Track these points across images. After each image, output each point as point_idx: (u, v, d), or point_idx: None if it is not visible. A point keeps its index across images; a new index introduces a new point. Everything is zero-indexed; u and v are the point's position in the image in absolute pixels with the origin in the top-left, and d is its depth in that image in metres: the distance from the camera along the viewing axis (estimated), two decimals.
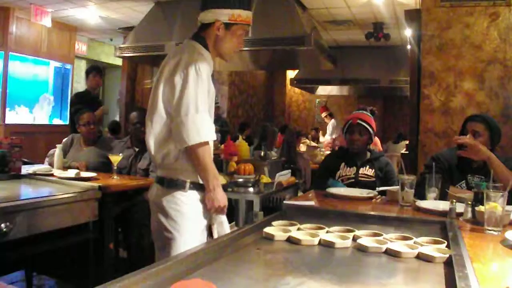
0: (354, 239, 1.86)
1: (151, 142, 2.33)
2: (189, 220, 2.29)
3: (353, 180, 3.65)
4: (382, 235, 1.90)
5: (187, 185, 2.31)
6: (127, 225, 4.06)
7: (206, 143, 2.23)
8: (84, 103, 5.70)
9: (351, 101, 12.91)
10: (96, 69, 6.39)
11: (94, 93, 6.38)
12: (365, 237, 1.86)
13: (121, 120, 9.36)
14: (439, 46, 4.38)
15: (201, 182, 2.32)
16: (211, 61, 2.36)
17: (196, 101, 2.19)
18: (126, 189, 3.66)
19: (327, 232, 1.96)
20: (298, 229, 1.99)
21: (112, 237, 3.89)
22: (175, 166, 2.32)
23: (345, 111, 12.71)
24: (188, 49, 2.33)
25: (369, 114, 3.88)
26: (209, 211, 2.33)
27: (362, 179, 3.66)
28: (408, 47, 5.96)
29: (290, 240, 1.85)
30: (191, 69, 2.21)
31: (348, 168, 3.72)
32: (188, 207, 2.30)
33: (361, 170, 3.69)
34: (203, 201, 2.33)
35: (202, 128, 2.19)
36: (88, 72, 6.38)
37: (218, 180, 2.31)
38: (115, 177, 3.78)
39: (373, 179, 3.65)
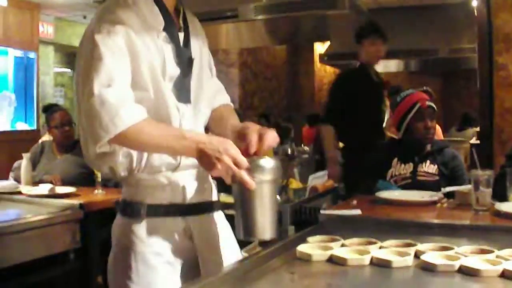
0: (417, 255, 1.85)
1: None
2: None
3: (410, 180, 3.65)
4: (453, 248, 1.89)
5: (142, 210, 2.06)
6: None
7: (135, 127, 1.90)
8: None
9: (400, 79, 12.84)
10: None
11: None
12: (431, 252, 1.85)
13: None
14: None
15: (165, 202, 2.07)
16: (151, 7, 2.06)
17: (99, 74, 1.87)
18: (113, 205, 3.66)
19: (381, 247, 1.95)
20: (342, 245, 1.98)
21: (100, 268, 3.90)
22: (128, 180, 2.12)
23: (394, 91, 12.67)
24: None
25: None
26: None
27: (422, 178, 3.65)
28: (474, 3, 5.90)
29: (333, 260, 1.84)
30: (93, 30, 1.93)
31: (403, 165, 3.71)
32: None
33: (420, 167, 3.68)
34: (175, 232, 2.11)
35: (117, 111, 1.86)
36: None
37: (191, 133, 1.96)
38: (99, 191, 3.80)
39: (436, 177, 3.64)
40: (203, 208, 2.15)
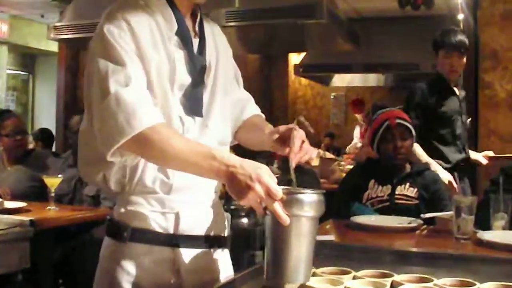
0: (393, 287, 1.85)
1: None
2: None
3: (387, 203, 3.66)
4: (432, 280, 1.89)
5: (126, 233, 2.01)
6: (70, 275, 4.03)
7: (153, 130, 1.84)
8: None
9: (379, 94, 12.94)
10: None
11: None
12: (408, 284, 1.86)
13: (57, 127, 9.33)
14: (503, 14, 4.41)
15: (154, 228, 2.01)
16: (164, 10, 2.04)
17: (116, 73, 1.86)
18: (68, 223, 3.65)
19: (354, 278, 1.95)
20: (313, 274, 1.97)
21: None
22: (119, 197, 2.10)
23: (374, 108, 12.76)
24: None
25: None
26: (257, 210, 1.77)
27: (400, 202, 3.67)
28: (460, 16, 5.98)
29: None
30: (103, 28, 1.91)
31: (380, 187, 3.72)
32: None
33: (399, 190, 3.70)
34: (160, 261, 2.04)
35: (134, 110, 1.81)
36: None
37: (221, 153, 1.82)
38: (52, 207, 3.76)
39: (416, 201, 3.66)
40: (200, 242, 2.07)
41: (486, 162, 4.62)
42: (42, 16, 10.41)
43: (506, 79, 4.37)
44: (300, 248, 1.70)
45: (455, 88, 4.74)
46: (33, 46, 11.18)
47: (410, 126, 3.79)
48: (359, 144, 10.25)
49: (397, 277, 1.92)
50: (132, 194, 2.00)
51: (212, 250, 2.10)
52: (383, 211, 3.55)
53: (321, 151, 9.34)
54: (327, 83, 12.31)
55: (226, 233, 2.19)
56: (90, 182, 2.15)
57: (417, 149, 4.32)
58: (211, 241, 2.10)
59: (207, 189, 2.10)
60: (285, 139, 1.98)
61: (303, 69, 10.51)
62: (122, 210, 2.02)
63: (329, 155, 9.23)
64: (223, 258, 2.16)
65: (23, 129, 4.68)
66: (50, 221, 3.47)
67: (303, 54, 10.68)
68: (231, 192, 1.74)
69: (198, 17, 2.12)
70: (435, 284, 1.85)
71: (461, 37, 4.64)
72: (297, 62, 10.78)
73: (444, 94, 4.65)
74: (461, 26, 5.36)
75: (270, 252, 1.73)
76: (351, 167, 5.78)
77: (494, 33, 4.39)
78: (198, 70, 2.05)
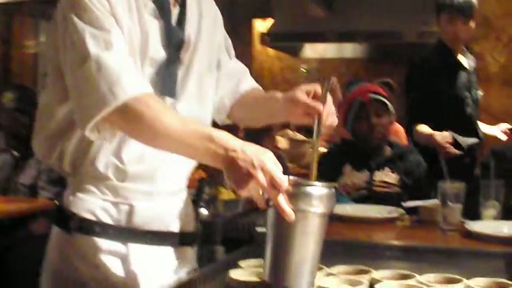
0: (372, 284, 1.87)
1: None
2: None
3: (365, 191, 3.71)
4: (414, 276, 1.92)
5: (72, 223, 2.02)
6: (5, 276, 4.01)
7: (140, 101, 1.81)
8: None
9: (356, 67, 12.97)
10: None
11: None
12: (388, 281, 1.88)
13: None
14: None
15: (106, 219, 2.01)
16: None
17: (95, 37, 1.83)
18: (1, 217, 3.62)
19: (328, 275, 1.97)
20: None
21: None
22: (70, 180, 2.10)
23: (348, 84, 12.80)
24: None
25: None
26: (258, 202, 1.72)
27: (380, 189, 3.70)
28: None
29: None
30: None
31: (357, 173, 3.76)
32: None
33: (378, 175, 3.73)
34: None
35: (118, 77, 1.79)
36: None
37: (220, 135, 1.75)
38: None
39: (397, 188, 3.69)
40: (158, 238, 2.06)
41: (505, 138, 4.58)
42: None
43: (497, 50, 4.40)
44: (305, 248, 1.66)
45: (462, 59, 4.62)
46: None
47: (387, 102, 3.80)
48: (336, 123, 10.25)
49: (375, 274, 1.94)
50: (84, 180, 1.99)
51: (172, 248, 2.11)
52: (360, 200, 3.57)
53: (290, 132, 9.34)
54: (296, 54, 12.27)
55: (192, 229, 2.19)
56: (45, 161, 2.09)
57: (423, 129, 4.27)
58: (171, 238, 2.10)
59: (172, 177, 2.10)
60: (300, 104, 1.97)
61: (270, 38, 10.47)
62: (71, 197, 2.01)
63: (299, 136, 9.23)
64: (186, 256, 2.17)
65: None
66: None
67: (270, 21, 10.66)
68: (230, 180, 1.69)
69: None
70: (417, 281, 1.87)
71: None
72: (264, 30, 10.75)
73: (450, 70, 4.51)
74: None
75: (270, 251, 1.69)
76: (324, 150, 5.82)
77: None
78: (174, 45, 2.02)
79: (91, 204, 1.99)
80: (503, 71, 4.35)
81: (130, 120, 1.79)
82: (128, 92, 1.75)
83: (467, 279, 1.88)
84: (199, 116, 2.12)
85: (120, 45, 1.84)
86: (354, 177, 3.73)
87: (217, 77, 2.24)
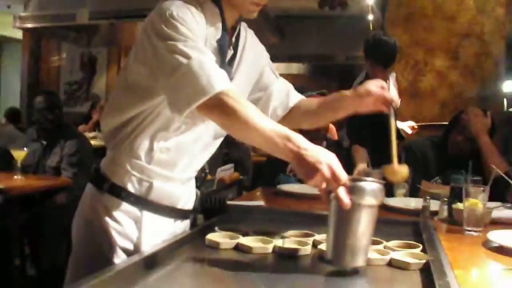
0: (315, 244, 1.88)
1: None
2: None
3: None
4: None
5: (105, 185, 2.03)
6: (35, 236, 3.96)
7: (232, 94, 1.75)
8: None
9: (300, 81, 13.00)
10: None
11: None
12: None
13: (22, 107, 9.11)
14: (406, 16, 4.49)
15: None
16: (214, 15, 1.95)
17: (192, 46, 1.76)
18: (33, 191, 3.59)
19: (282, 237, 1.96)
20: (245, 234, 1.98)
21: (18, 251, 3.79)
22: (108, 153, 2.09)
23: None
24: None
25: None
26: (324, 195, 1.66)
27: None
28: (370, 17, 6.04)
29: (239, 248, 1.84)
30: (166, 12, 1.81)
31: None
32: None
33: None
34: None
35: (216, 73, 1.75)
36: None
37: (294, 135, 1.69)
38: (18, 176, 3.67)
39: None
40: (165, 211, 2.05)
41: (410, 132, 4.37)
42: (9, 7, 10.12)
43: (407, 71, 4.45)
44: (357, 234, 1.59)
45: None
46: None
47: None
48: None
49: (317, 237, 1.94)
50: (121, 155, 1.98)
51: (173, 219, 2.09)
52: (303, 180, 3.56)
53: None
54: None
55: (191, 207, 2.16)
56: (104, 125, 2.07)
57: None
58: (175, 212, 2.08)
59: (188, 168, 2.08)
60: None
61: None
62: (109, 165, 2.01)
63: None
64: (182, 226, 2.14)
65: None
66: (18, 189, 3.40)
67: None
68: (299, 172, 1.65)
69: (237, 31, 2.05)
70: None
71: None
72: None
73: None
74: (371, 26, 5.42)
75: (332, 235, 1.64)
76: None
77: (398, 33, 4.45)
78: None
79: (122, 174, 1.97)
80: (410, 87, 4.37)
81: (222, 110, 1.72)
82: (222, 85, 1.70)
83: (385, 241, 1.89)
84: (218, 128, 2.09)
85: (209, 52, 1.81)
86: None
87: (268, 94, 2.23)
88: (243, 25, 2.13)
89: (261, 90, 2.22)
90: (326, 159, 1.58)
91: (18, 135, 4.54)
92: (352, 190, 1.56)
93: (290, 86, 2.30)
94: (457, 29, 4.43)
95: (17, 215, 3.40)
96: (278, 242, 1.86)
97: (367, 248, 1.63)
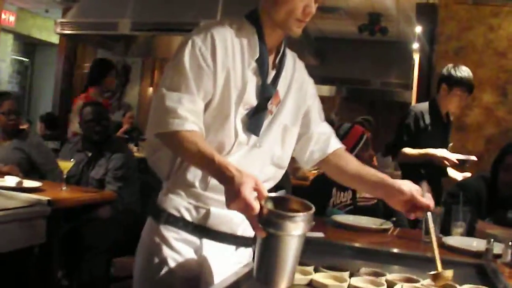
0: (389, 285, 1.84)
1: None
2: None
3: (351, 206, 3.66)
4: (418, 281, 1.87)
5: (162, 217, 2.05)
6: (75, 248, 3.96)
7: (175, 133, 1.83)
8: None
9: (332, 103, 12.97)
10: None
11: None
12: (403, 283, 1.84)
13: (54, 111, 9.17)
14: (456, 50, 4.46)
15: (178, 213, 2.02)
16: (252, 38, 1.99)
17: (172, 77, 1.89)
18: (78, 204, 3.58)
19: (351, 275, 1.92)
20: (316, 270, 1.94)
21: (61, 264, 3.79)
22: (165, 184, 2.13)
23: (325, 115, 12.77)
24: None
25: None
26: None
27: (362, 203, 3.67)
28: (415, 46, 6.03)
29: (313, 285, 1.80)
30: (186, 39, 1.93)
31: (342, 193, 3.71)
32: None
33: (359, 193, 3.69)
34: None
35: (167, 113, 1.83)
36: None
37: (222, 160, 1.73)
38: (65, 188, 3.68)
39: (374, 201, 3.66)
40: (225, 238, 2.04)
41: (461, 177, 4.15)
42: (47, 11, 10.28)
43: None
44: (278, 259, 1.56)
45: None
46: (35, 36, 11.00)
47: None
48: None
49: (388, 276, 1.89)
50: (175, 184, 2.00)
51: (235, 247, 2.08)
52: (349, 213, 3.54)
53: None
54: None
55: (252, 234, 2.16)
56: (148, 160, 2.13)
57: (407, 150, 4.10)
58: (235, 239, 2.07)
59: None
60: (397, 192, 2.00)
61: None
62: (164, 197, 2.03)
63: None
64: (244, 255, 2.11)
65: (17, 111, 4.57)
66: (64, 201, 3.39)
67: None
68: (225, 194, 1.66)
69: (281, 52, 2.05)
70: (422, 285, 1.83)
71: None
72: None
73: (437, 126, 4.13)
74: (417, 57, 5.40)
75: (257, 257, 1.61)
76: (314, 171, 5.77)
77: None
78: (265, 97, 1.99)
79: (178, 204, 1.99)
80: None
81: (172, 144, 1.87)
82: (170, 127, 1.81)
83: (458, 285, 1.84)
84: (279, 157, 2.09)
85: (191, 93, 1.87)
86: (341, 197, 3.69)
87: (310, 134, 2.22)
88: (292, 54, 2.16)
89: (304, 127, 2.21)
90: (244, 187, 1.57)
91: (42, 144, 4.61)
92: (267, 221, 1.53)
93: (332, 132, 2.29)
94: (507, 65, 4.40)
95: (61, 228, 3.41)
96: (352, 280, 1.83)
97: (291, 271, 1.59)
